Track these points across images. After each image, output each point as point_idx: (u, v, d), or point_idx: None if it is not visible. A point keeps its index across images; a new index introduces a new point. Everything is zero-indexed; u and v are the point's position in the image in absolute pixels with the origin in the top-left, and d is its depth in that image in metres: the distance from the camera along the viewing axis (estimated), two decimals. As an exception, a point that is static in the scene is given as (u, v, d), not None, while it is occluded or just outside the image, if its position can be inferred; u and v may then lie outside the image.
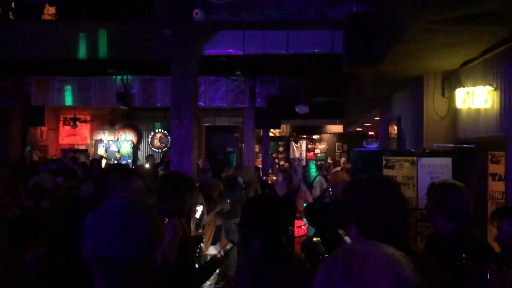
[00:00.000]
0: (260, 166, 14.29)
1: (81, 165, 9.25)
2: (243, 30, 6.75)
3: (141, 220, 1.38)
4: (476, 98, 4.92)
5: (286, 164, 16.96)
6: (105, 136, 16.22)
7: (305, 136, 20.84)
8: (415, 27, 3.84)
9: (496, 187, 5.26)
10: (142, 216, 1.40)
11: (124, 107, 11.88)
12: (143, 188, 2.45)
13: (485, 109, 4.83)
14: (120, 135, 16.06)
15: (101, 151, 15.89)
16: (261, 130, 14.28)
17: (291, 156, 19.90)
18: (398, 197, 1.85)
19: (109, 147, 15.86)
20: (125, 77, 11.41)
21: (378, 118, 11.06)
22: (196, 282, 3.21)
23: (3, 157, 11.79)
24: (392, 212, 1.80)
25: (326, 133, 20.66)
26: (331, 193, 5.70)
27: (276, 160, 19.52)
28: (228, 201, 7.17)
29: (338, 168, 13.16)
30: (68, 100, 11.97)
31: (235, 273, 2.56)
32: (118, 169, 2.61)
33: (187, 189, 3.27)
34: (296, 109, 10.67)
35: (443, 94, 5.79)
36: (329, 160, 19.55)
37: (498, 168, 5.21)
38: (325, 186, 7.13)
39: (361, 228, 1.81)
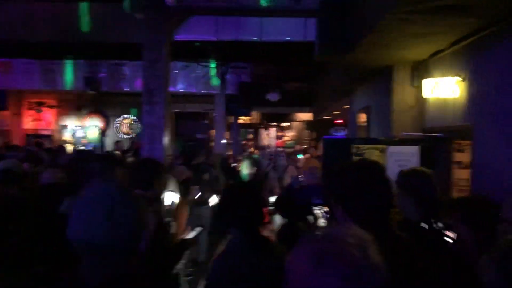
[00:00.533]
0: (231, 153, 14.29)
1: (46, 151, 8.99)
2: (216, 16, 6.68)
3: (128, 207, 1.38)
4: (443, 88, 5.05)
5: (256, 151, 17.02)
6: (72, 122, 15.80)
7: (274, 124, 20.92)
8: (389, 17, 3.91)
9: (461, 174, 5.44)
10: (129, 202, 1.40)
11: (92, 92, 11.62)
12: (125, 176, 2.43)
13: (453, 99, 4.98)
14: (87, 121, 15.68)
15: (67, 136, 15.49)
16: (231, 117, 14.24)
17: (261, 143, 19.98)
18: (384, 181, 1.90)
19: (75, 133, 15.47)
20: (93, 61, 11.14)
21: (347, 107, 11.22)
22: (168, 266, 3.20)
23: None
24: (378, 195, 1.86)
25: (296, 120, 20.80)
26: (302, 179, 5.76)
27: (246, 147, 19.55)
28: (198, 187, 7.14)
29: (308, 155, 13.29)
30: (33, 83, 11.60)
31: (211, 263, 2.51)
32: (100, 158, 2.58)
33: (161, 175, 3.26)
34: (268, 97, 10.70)
35: (412, 84, 5.92)
36: (297, 147, 19.71)
37: (463, 157, 5.39)
38: (296, 174, 7.17)
39: (347, 210, 1.86)
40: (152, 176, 3.09)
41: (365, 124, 8.07)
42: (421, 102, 5.90)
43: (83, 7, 8.16)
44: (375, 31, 4.38)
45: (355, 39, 5.11)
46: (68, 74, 11.56)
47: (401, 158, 5.20)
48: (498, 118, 4.09)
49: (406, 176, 2.98)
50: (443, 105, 5.28)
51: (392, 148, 5.17)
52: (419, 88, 5.86)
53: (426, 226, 2.53)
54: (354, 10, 5.23)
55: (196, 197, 6.93)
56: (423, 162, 4.94)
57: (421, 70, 5.74)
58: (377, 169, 1.95)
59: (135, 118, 15.50)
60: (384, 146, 5.20)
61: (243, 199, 2.49)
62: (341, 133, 18.77)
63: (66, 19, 8.20)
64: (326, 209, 2.75)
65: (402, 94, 5.96)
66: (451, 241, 2.27)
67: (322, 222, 2.84)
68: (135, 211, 1.39)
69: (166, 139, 6.25)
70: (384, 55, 5.45)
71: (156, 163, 3.29)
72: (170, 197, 6.07)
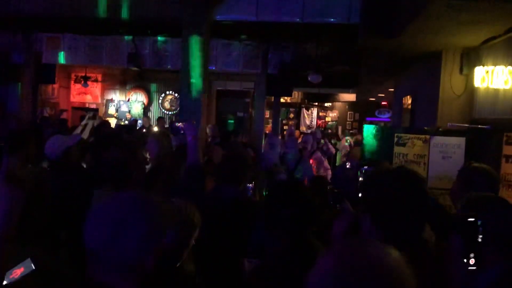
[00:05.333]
0: (270, 132, 14.23)
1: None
2: (257, -5, 6.53)
3: (138, 222, 1.33)
4: (496, 77, 4.73)
5: (297, 132, 16.86)
6: (116, 96, 16.15)
7: (316, 104, 20.60)
8: (438, 3, 3.66)
9: (510, 169, 5.14)
10: (141, 218, 1.35)
11: (135, 68, 11.76)
12: None
13: (504, 90, 4.66)
14: (131, 96, 15.98)
15: (111, 110, 15.86)
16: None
17: (301, 123, 19.76)
18: (422, 195, 1.76)
19: (119, 107, 15.81)
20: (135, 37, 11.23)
21: (392, 90, 10.85)
22: None
23: (15, 114, 11.84)
24: (411, 208, 1.73)
25: (338, 101, 20.41)
26: (348, 167, 5.58)
27: (285, 127, 19.37)
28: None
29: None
30: (79, 59, 11.86)
31: (251, 271, 2.34)
32: None
33: (248, 171, 3.31)
34: (309, 78, 10.47)
35: (461, 72, 5.60)
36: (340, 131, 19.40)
37: (512, 150, 5.08)
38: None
39: (376, 220, 1.75)
40: (239, 171, 3.09)
41: (410, 108, 7.77)
42: (470, 91, 5.58)
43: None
44: (422, 17, 4.12)
45: (401, 24, 4.84)
46: (112, 50, 11.72)
47: (445, 150, 4.99)
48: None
49: (470, 171, 2.83)
50: (494, 95, 4.96)
51: (437, 139, 4.95)
52: (468, 76, 5.54)
53: None
54: (401, -8, 4.95)
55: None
56: (469, 154, 4.71)
57: (471, 57, 5.40)
58: (417, 180, 1.82)
59: (176, 95, 15.63)
60: (428, 136, 4.98)
61: (295, 199, 2.24)
62: (385, 115, 18.32)
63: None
64: None
65: (449, 82, 5.64)
66: None
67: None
68: (147, 228, 1.34)
69: (203, 120, 6.24)
70: (431, 41, 5.15)
71: (243, 158, 3.27)
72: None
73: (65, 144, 3.68)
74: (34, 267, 1.68)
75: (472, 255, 1.54)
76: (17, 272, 1.72)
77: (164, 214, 1.43)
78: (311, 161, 7.30)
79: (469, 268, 1.56)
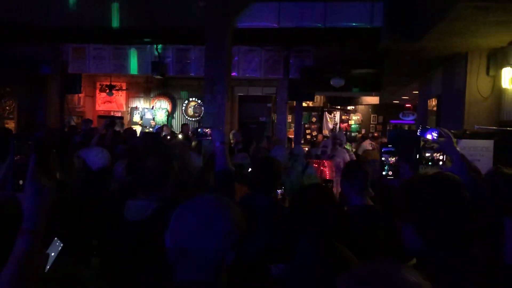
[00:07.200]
0: (292, 136, 14.20)
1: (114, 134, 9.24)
2: (278, 2, 6.53)
3: (221, 222, 1.45)
4: (524, 78, 4.64)
5: (320, 136, 16.78)
6: (141, 104, 16.38)
7: (339, 107, 20.46)
8: (463, 4, 3.61)
9: (540, 172, 5.02)
10: (224, 218, 1.46)
11: (159, 77, 11.92)
12: None
13: (534, 90, 4.57)
14: (155, 103, 16.18)
15: (136, 118, 16.08)
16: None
17: (324, 127, 19.66)
18: (460, 197, 1.73)
19: (144, 115, 16.02)
20: (159, 46, 11.38)
21: (416, 92, 10.71)
22: None
23: (43, 123, 12.14)
24: (453, 212, 1.70)
25: (361, 104, 20.22)
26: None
27: (308, 131, 19.28)
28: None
29: (368, 142, 12.87)
30: (104, 68, 12.08)
31: (279, 276, 2.34)
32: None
33: (280, 177, 3.33)
34: (331, 83, 10.41)
35: (487, 73, 5.49)
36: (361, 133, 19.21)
37: (543, 153, 4.95)
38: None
39: (419, 228, 1.72)
40: (272, 178, 3.11)
41: (436, 111, 7.65)
42: (497, 92, 5.47)
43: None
44: (447, 19, 4.07)
45: (424, 26, 4.79)
46: (136, 59, 11.92)
47: (473, 153, 4.89)
48: None
49: (494, 175, 2.79)
50: (523, 97, 4.86)
51: (464, 142, 4.86)
52: (495, 77, 5.44)
53: None
54: (424, -6, 4.90)
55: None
56: (498, 157, 4.61)
57: (498, 58, 5.30)
58: (452, 183, 1.78)
59: (199, 101, 15.75)
60: (455, 140, 4.90)
61: (319, 203, 2.24)
62: (409, 118, 18.06)
63: (131, 5, 8.38)
64: None
65: (476, 84, 5.55)
66: None
67: None
68: (228, 226, 1.45)
69: (226, 127, 6.28)
70: (456, 43, 5.08)
71: (276, 164, 3.26)
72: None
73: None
74: (62, 244, 1.74)
75: None
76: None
77: (240, 214, 1.54)
78: (326, 164, 7.03)
79: None
